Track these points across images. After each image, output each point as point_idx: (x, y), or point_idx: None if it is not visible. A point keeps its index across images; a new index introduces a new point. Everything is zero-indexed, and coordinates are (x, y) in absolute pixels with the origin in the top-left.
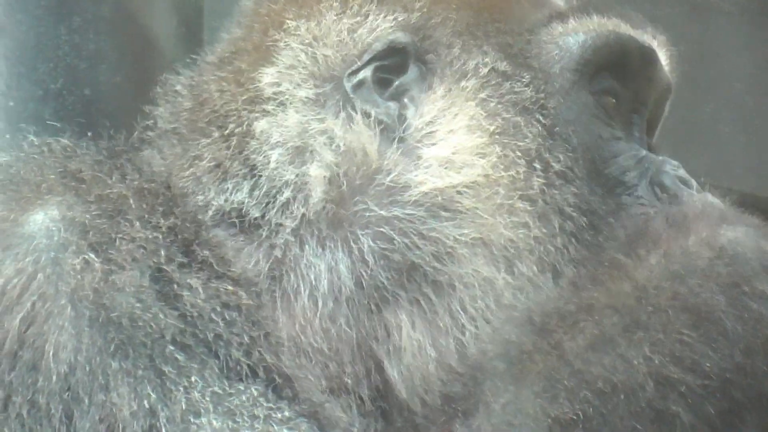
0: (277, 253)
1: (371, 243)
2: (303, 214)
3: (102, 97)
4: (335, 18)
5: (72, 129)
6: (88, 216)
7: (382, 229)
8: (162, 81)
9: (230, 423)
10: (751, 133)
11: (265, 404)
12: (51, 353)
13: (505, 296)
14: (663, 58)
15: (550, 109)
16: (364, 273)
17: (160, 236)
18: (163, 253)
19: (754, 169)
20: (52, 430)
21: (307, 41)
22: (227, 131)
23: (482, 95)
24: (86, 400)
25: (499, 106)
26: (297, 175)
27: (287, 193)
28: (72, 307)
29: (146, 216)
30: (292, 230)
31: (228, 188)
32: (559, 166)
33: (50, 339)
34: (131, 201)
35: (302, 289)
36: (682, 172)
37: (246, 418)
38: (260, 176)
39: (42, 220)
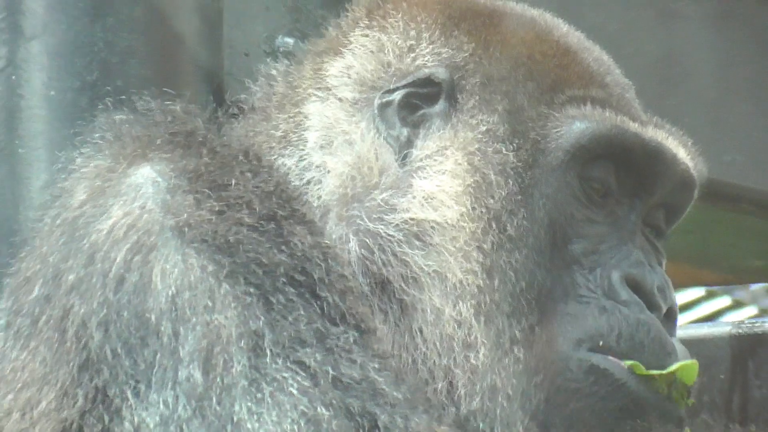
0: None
1: (357, 249)
2: (320, 197)
3: (132, 88)
4: (395, 36)
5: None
6: (201, 165)
7: (367, 240)
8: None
9: (332, 360)
10: (713, 123)
11: (359, 352)
12: (158, 277)
13: (447, 328)
14: (680, 155)
15: (527, 178)
16: (349, 274)
17: (271, 186)
18: (274, 199)
19: (716, 157)
20: (161, 345)
21: (368, 50)
22: (297, 109)
23: (472, 148)
24: (193, 319)
25: (481, 162)
26: (322, 161)
27: (314, 173)
28: (179, 238)
29: (254, 170)
30: (318, 210)
31: (286, 153)
32: (512, 230)
33: (156, 266)
34: (241, 157)
35: None
36: (658, 282)
37: (345, 360)
38: (304, 150)
39: (149, 173)
